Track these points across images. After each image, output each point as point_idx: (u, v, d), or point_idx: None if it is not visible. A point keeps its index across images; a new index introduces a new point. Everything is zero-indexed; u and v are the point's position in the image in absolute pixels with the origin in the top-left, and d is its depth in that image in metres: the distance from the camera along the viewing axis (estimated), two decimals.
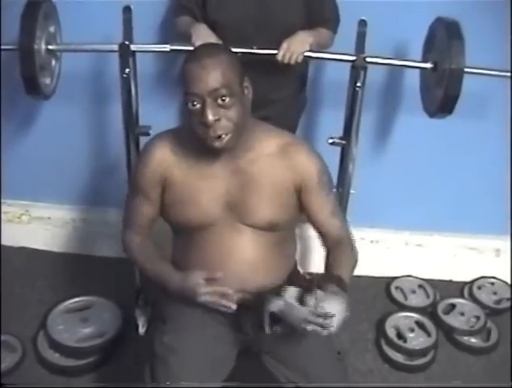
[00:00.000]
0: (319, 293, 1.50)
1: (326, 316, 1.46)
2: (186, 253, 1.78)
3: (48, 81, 2.19)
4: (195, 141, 1.63)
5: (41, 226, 3.04)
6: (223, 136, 1.58)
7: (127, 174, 2.35)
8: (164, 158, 1.72)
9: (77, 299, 2.66)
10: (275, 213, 1.70)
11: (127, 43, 2.11)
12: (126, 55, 2.12)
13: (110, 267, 2.92)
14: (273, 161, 1.69)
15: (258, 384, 1.83)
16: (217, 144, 1.59)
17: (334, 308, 1.49)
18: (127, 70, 2.14)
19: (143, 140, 2.29)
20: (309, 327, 1.48)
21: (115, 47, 2.12)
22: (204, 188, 1.70)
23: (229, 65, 1.58)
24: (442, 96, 2.06)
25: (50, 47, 2.14)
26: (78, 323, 2.55)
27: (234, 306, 1.62)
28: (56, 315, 2.57)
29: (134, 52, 2.14)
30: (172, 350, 1.69)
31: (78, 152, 2.88)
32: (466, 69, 2.02)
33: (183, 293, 1.68)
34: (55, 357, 2.44)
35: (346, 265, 1.72)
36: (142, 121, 2.30)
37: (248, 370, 1.84)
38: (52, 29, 2.18)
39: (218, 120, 1.56)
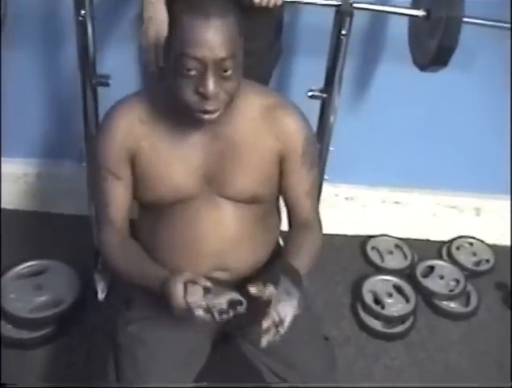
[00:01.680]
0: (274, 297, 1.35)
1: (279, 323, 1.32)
2: (156, 231, 1.57)
3: None
4: (171, 106, 1.41)
5: None
6: (216, 110, 1.36)
7: (83, 128, 2.15)
8: (131, 128, 1.48)
9: (29, 263, 2.44)
10: (258, 185, 1.51)
11: None
12: None
13: (66, 227, 2.73)
14: (256, 126, 1.49)
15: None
16: (207, 117, 1.37)
17: (287, 312, 1.34)
18: (82, 12, 1.90)
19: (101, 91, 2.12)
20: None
21: None
22: (178, 160, 1.49)
23: (239, 29, 1.34)
24: (435, 48, 1.86)
25: None
26: (32, 291, 2.34)
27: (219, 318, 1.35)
28: (7, 282, 2.35)
29: None
30: (139, 341, 1.50)
31: (30, 101, 2.64)
32: (464, 19, 1.81)
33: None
34: (7, 329, 2.23)
35: (307, 254, 1.55)
36: (100, 69, 2.08)
37: (225, 358, 1.70)
38: None
39: (218, 92, 1.34)
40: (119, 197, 1.54)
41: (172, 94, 1.38)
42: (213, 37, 1.28)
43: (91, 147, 1.59)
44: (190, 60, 1.30)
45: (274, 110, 1.49)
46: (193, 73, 1.31)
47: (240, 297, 1.32)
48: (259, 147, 1.49)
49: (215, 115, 1.37)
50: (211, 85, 1.31)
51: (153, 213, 1.57)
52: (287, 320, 1.33)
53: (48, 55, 2.52)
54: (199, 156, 1.49)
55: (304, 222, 1.59)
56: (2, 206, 2.79)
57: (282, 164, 1.53)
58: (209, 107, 1.35)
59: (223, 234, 1.52)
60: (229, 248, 1.53)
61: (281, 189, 1.58)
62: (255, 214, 1.55)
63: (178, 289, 1.31)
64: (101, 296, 2.42)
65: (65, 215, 2.78)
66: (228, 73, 1.33)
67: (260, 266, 1.60)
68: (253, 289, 1.33)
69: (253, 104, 1.48)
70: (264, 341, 1.31)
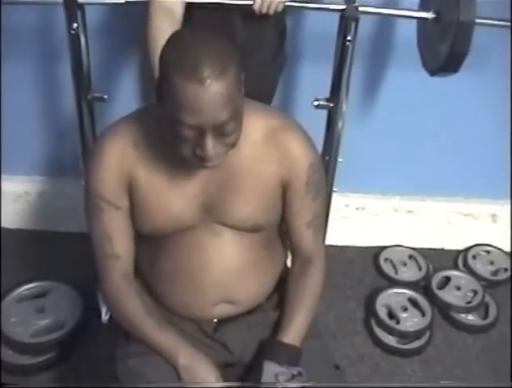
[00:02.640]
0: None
1: None
2: (156, 262, 1.48)
3: None
4: (165, 134, 1.30)
5: None
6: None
7: (80, 145, 2.10)
8: (125, 154, 1.38)
9: (31, 285, 2.37)
10: (260, 213, 1.42)
11: None
12: (72, 8, 1.80)
13: (68, 246, 2.65)
14: (258, 150, 1.39)
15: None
16: (203, 167, 1.29)
17: None
18: (74, 25, 1.83)
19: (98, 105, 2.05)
20: None
21: None
22: (175, 188, 1.39)
23: (237, 82, 1.21)
24: (447, 52, 1.77)
25: None
26: (33, 314, 2.27)
27: None
28: (8, 305, 2.28)
29: (82, 4, 1.83)
30: (139, 376, 1.40)
31: (30, 118, 2.58)
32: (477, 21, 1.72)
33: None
34: (8, 355, 2.16)
35: (308, 304, 1.48)
36: (96, 85, 2.01)
37: None
38: None
39: (217, 151, 1.24)
40: (122, 229, 1.43)
41: (167, 135, 1.28)
42: (211, 102, 1.16)
43: (84, 176, 1.48)
44: (186, 127, 1.20)
45: (277, 133, 1.40)
46: (189, 135, 1.21)
47: None
48: (261, 173, 1.40)
49: (213, 165, 1.28)
50: (209, 149, 1.21)
51: (151, 244, 1.48)
52: None
53: (47, 71, 2.46)
54: (197, 184, 1.39)
55: (306, 257, 1.52)
56: (3, 225, 2.72)
57: (284, 191, 1.44)
58: (207, 165, 1.26)
59: (226, 264, 1.44)
60: (234, 278, 1.44)
61: (283, 217, 1.49)
62: (258, 242, 1.47)
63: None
64: (105, 317, 2.34)
65: (67, 234, 2.70)
66: (229, 131, 1.23)
67: (267, 295, 1.53)
68: None
69: (254, 126, 1.38)
70: None
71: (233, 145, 1.28)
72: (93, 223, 1.44)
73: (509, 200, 2.72)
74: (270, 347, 1.41)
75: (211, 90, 1.15)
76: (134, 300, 1.44)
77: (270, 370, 1.34)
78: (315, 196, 1.46)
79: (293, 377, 1.33)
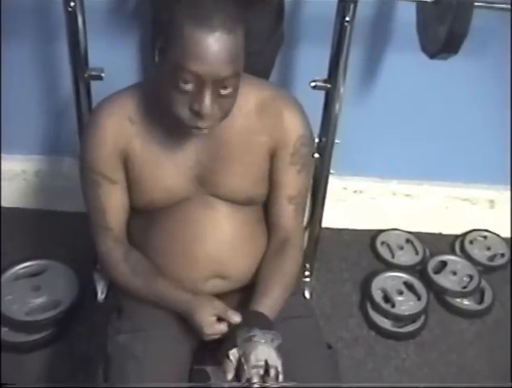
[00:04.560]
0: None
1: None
2: (149, 236, 1.49)
3: None
4: (162, 106, 1.31)
5: None
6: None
7: (77, 123, 2.09)
8: (121, 129, 1.38)
9: (27, 263, 2.37)
10: (253, 185, 1.43)
11: None
12: None
13: (65, 225, 2.64)
14: (250, 122, 1.39)
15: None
16: (198, 132, 1.29)
17: (265, 356, 1.28)
18: (71, 4, 1.81)
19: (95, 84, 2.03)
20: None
21: None
22: (170, 161, 1.40)
23: (242, 44, 1.23)
24: (446, 34, 1.75)
25: None
26: (29, 292, 2.26)
27: None
28: (4, 283, 2.28)
29: None
30: (129, 353, 1.40)
31: (24, 97, 2.55)
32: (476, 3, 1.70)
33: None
34: (3, 332, 2.16)
35: (280, 286, 1.46)
36: (93, 63, 1.98)
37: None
38: None
39: (213, 110, 1.24)
40: (116, 203, 1.45)
41: (163, 103, 1.29)
42: (217, 54, 1.18)
43: (80, 151, 1.49)
44: (189, 74, 1.20)
45: (270, 104, 1.40)
46: (188, 87, 1.21)
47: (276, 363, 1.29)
48: (253, 145, 1.40)
49: (206, 131, 1.29)
50: (207, 104, 1.22)
51: (144, 217, 1.49)
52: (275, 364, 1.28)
53: (43, 49, 2.44)
54: (191, 156, 1.40)
55: (283, 234, 1.50)
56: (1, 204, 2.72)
57: (271, 161, 1.43)
58: (201, 125, 1.26)
59: (219, 237, 1.44)
60: (227, 252, 1.45)
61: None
62: (251, 216, 1.47)
63: (210, 320, 1.35)
64: (100, 297, 2.34)
65: (65, 213, 2.69)
66: (228, 91, 1.23)
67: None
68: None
69: (247, 99, 1.39)
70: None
71: (227, 111, 1.28)
72: (88, 196, 1.47)
73: (507, 186, 2.69)
74: (243, 316, 1.38)
75: (220, 41, 1.17)
76: (122, 263, 1.47)
77: (244, 334, 1.31)
78: (300, 169, 1.45)
79: (271, 340, 1.31)
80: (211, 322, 1.35)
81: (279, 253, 1.49)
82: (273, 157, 1.43)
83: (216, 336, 1.36)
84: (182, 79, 1.21)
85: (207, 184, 1.41)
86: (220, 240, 1.44)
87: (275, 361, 1.27)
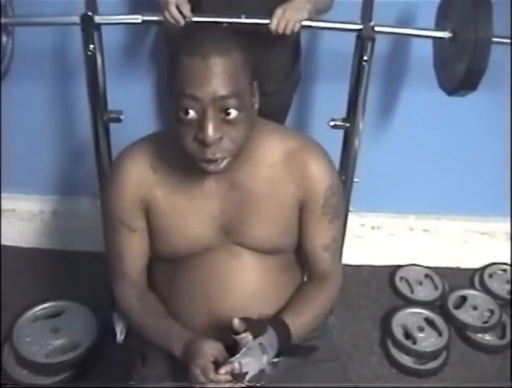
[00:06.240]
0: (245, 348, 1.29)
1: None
2: (174, 284, 1.46)
3: None
4: (182, 154, 1.30)
5: (5, 219, 2.73)
6: (220, 159, 1.25)
7: (96, 165, 2.08)
8: (143, 177, 1.38)
9: (46, 305, 2.37)
10: (278, 235, 1.41)
11: (90, 14, 1.79)
12: (89, 28, 1.80)
13: (83, 265, 2.64)
14: (276, 172, 1.38)
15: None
16: (212, 168, 1.26)
17: (250, 369, 1.26)
18: (91, 46, 1.83)
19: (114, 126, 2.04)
20: None
21: (77, 19, 1.80)
22: (193, 211, 1.39)
23: (242, 68, 1.23)
24: (464, 71, 1.75)
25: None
26: (48, 334, 2.26)
27: None
28: (23, 325, 2.28)
29: (99, 24, 1.82)
30: None
31: (43, 138, 2.59)
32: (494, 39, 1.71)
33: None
34: (23, 375, 2.16)
35: (312, 311, 1.46)
36: (112, 105, 2.00)
37: None
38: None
39: (220, 138, 1.22)
40: (134, 249, 1.45)
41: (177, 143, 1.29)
42: (211, 75, 1.19)
43: (101, 197, 1.52)
44: (187, 99, 1.20)
45: (296, 154, 1.38)
46: (192, 116, 1.21)
47: None
48: (279, 195, 1.38)
49: (221, 166, 1.26)
50: (209, 129, 1.20)
51: (168, 265, 1.47)
52: (247, 377, 1.25)
53: (62, 90, 2.47)
54: (215, 206, 1.39)
55: (322, 275, 1.49)
56: (18, 244, 2.73)
57: (301, 212, 1.42)
58: (210, 156, 1.23)
59: (245, 288, 1.42)
60: (252, 303, 1.42)
61: (299, 239, 1.47)
62: (277, 265, 1.45)
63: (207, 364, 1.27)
64: (120, 337, 2.32)
65: (82, 253, 2.69)
66: (232, 116, 1.21)
67: None
68: (236, 323, 1.29)
69: (272, 148, 1.38)
70: None
71: (239, 143, 1.26)
72: (108, 240, 1.49)
73: None
74: (278, 323, 1.37)
75: (214, 63, 1.19)
76: (136, 304, 1.46)
77: (266, 340, 1.30)
78: (332, 218, 1.43)
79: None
80: (209, 367, 1.28)
81: (317, 285, 1.49)
82: (302, 208, 1.41)
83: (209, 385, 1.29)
84: (184, 108, 1.21)
85: (232, 234, 1.40)
86: (245, 291, 1.42)
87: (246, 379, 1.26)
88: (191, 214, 1.39)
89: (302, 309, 1.43)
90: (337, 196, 1.44)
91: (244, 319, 1.31)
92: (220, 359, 1.28)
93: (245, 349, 1.27)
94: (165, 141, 1.40)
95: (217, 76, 1.18)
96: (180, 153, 1.29)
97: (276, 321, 1.37)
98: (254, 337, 1.28)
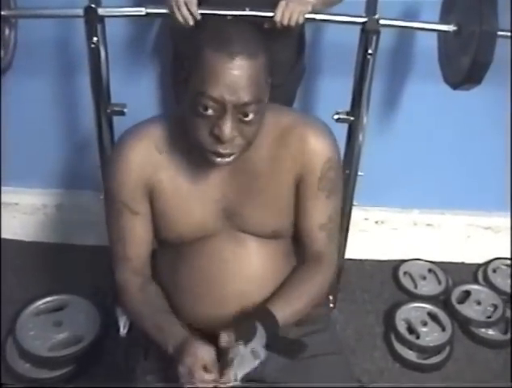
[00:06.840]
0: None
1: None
2: (177, 270, 1.45)
3: (1, 53, 1.86)
4: (187, 139, 1.30)
5: (8, 213, 2.72)
6: (229, 154, 1.25)
7: (99, 158, 2.07)
8: (148, 158, 1.36)
9: (49, 298, 2.37)
10: (279, 217, 1.40)
11: (93, 6, 1.78)
12: (93, 21, 1.79)
13: (86, 259, 2.64)
14: (274, 151, 1.36)
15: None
16: (220, 160, 1.26)
17: (239, 372, 1.25)
18: (94, 39, 1.82)
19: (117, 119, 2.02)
20: None
21: (80, 11, 1.79)
22: (197, 194, 1.38)
23: (264, 71, 1.22)
24: (469, 64, 1.75)
25: (3, 12, 1.81)
26: (51, 328, 2.26)
27: None
28: (26, 319, 2.28)
29: (102, 17, 1.81)
30: None
31: (46, 131, 2.58)
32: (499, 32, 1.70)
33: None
34: (26, 368, 2.16)
35: (307, 293, 1.42)
36: (115, 98, 1.99)
37: None
38: None
39: (234, 136, 1.23)
40: (137, 233, 1.42)
41: (187, 133, 1.28)
42: (237, 79, 1.17)
43: (103, 179, 1.49)
44: (209, 100, 1.19)
45: (292, 129, 1.36)
46: (209, 112, 1.21)
47: None
48: (277, 174, 1.37)
49: (228, 160, 1.26)
50: (227, 129, 1.20)
51: (172, 250, 1.46)
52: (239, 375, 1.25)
53: (65, 84, 2.46)
54: (218, 189, 1.38)
55: (316, 256, 1.45)
56: (21, 238, 2.73)
57: (297, 188, 1.39)
58: (223, 151, 1.24)
59: (247, 273, 1.41)
60: (255, 289, 1.41)
61: (294, 218, 1.43)
62: (279, 250, 1.44)
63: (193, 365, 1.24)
64: (123, 331, 2.30)
65: (85, 246, 2.69)
66: (249, 118, 1.22)
67: None
68: (224, 339, 1.25)
69: (271, 127, 1.35)
70: None
71: (250, 140, 1.26)
72: (110, 225, 1.46)
73: None
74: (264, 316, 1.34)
75: (241, 66, 1.17)
76: (137, 293, 1.43)
77: (257, 343, 1.28)
78: (329, 194, 1.40)
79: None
80: (194, 368, 1.24)
81: (311, 266, 1.45)
82: (299, 184, 1.38)
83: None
84: (203, 105, 1.20)
85: (233, 218, 1.39)
86: (248, 277, 1.41)
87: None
88: (195, 198, 1.38)
89: (293, 295, 1.40)
90: (336, 171, 1.40)
91: (232, 325, 1.30)
92: (209, 364, 1.25)
93: (238, 358, 1.25)
94: (170, 124, 1.39)
95: (243, 80, 1.17)
96: (185, 138, 1.29)
97: (264, 314, 1.34)
98: (245, 342, 1.27)
